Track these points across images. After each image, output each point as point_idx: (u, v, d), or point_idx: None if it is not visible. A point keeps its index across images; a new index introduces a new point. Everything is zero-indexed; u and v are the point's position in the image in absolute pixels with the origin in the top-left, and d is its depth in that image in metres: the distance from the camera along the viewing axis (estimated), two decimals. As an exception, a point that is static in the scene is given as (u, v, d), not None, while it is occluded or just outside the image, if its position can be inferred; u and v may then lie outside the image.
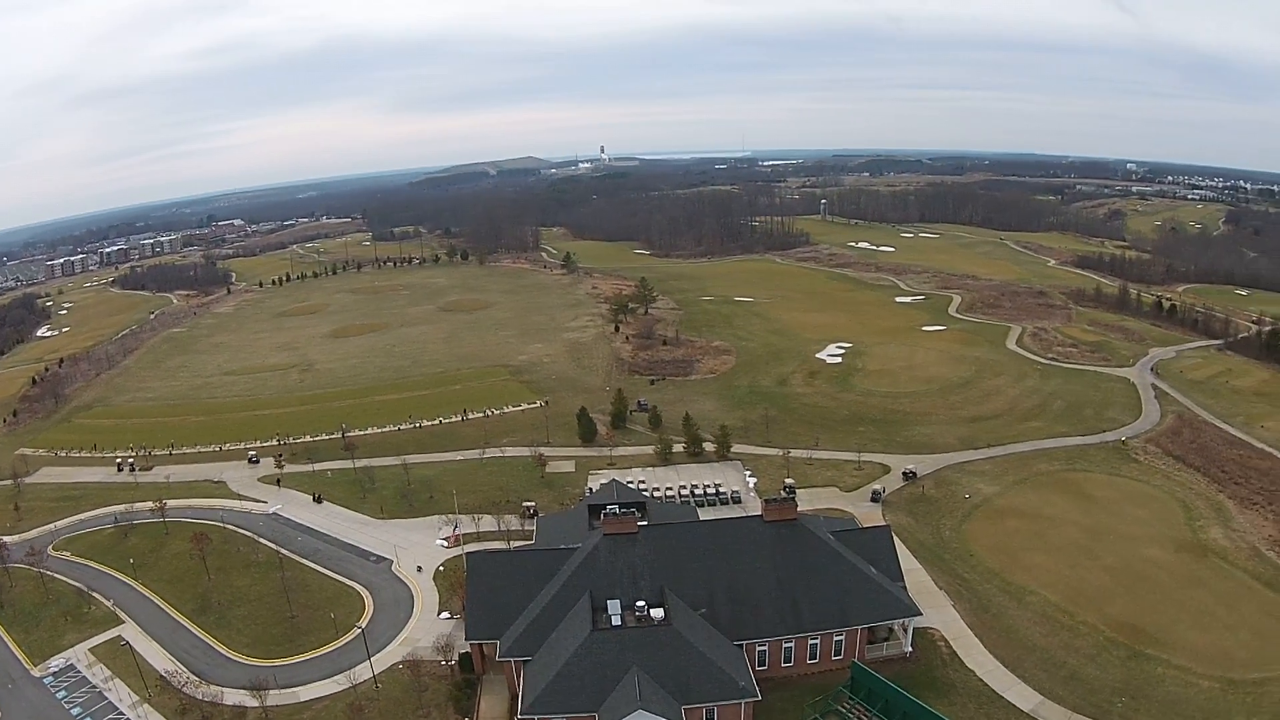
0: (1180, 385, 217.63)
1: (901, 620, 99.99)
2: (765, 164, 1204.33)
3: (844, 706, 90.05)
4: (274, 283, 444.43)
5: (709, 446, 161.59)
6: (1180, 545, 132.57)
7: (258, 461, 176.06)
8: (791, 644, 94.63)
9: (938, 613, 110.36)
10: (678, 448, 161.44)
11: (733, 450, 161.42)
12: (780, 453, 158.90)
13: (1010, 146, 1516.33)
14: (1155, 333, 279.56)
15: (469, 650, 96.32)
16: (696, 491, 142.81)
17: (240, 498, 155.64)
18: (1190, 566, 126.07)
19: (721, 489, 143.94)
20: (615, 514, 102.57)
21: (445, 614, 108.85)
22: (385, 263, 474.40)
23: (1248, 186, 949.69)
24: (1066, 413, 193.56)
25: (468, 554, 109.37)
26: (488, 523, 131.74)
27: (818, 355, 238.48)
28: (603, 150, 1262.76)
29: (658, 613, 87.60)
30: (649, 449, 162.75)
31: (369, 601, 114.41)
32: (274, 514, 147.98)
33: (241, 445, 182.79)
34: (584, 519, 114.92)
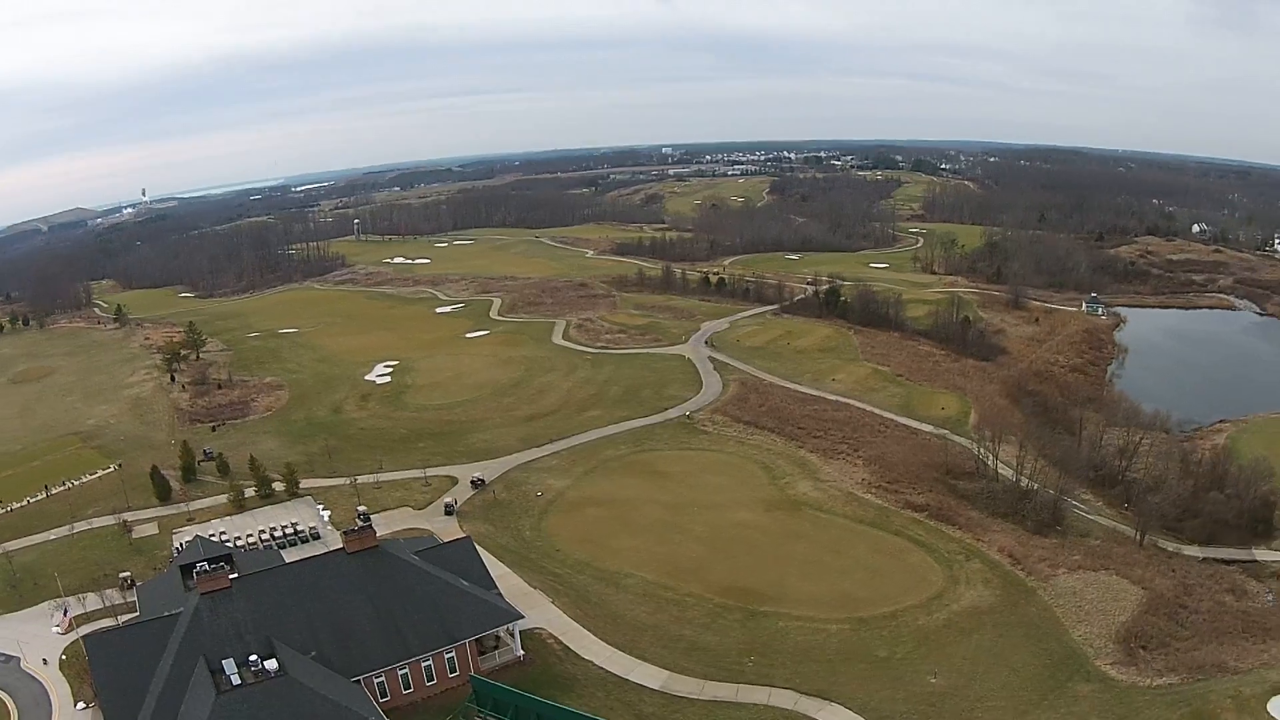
0: (739, 354, 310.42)
1: (506, 626, 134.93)
2: (298, 189, 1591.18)
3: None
4: None
5: (279, 486, 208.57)
6: (770, 505, 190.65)
7: None
8: (405, 670, 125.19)
9: (539, 612, 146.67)
10: (250, 492, 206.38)
11: (302, 486, 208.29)
12: (348, 481, 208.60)
13: (543, 145, 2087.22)
14: (705, 307, 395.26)
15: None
16: (276, 534, 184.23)
17: None
18: (785, 523, 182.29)
19: (299, 528, 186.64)
20: (206, 571, 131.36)
21: (81, 704, 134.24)
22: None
23: (792, 156, 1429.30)
24: (625, 397, 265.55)
25: (84, 638, 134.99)
26: (93, 600, 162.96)
27: (367, 377, 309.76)
28: (144, 193, 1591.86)
29: (271, 664, 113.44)
30: (223, 498, 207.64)
31: (11, 705, 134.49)
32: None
33: None
34: (179, 581, 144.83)
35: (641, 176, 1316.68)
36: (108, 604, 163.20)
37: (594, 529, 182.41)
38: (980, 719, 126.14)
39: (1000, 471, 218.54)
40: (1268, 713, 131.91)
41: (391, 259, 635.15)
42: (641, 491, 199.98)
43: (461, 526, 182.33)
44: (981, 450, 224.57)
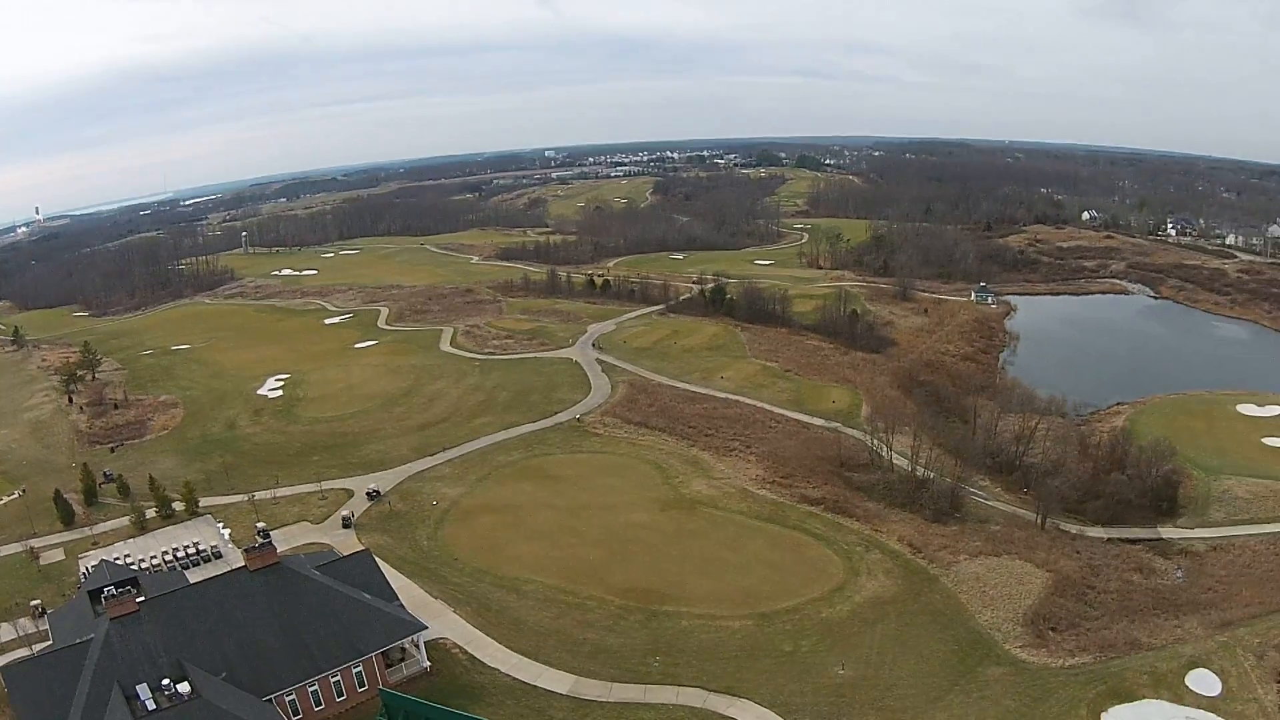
0: (626, 355, 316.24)
1: (411, 637, 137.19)
2: (187, 203, 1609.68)
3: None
4: None
5: (179, 506, 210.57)
6: (665, 504, 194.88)
7: None
8: (315, 686, 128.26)
9: (442, 622, 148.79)
10: (151, 513, 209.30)
11: (201, 505, 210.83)
12: (246, 498, 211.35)
13: (426, 152, 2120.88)
14: (591, 310, 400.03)
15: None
16: (179, 555, 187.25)
17: None
18: (681, 522, 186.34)
19: (201, 547, 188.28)
20: (114, 596, 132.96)
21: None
22: None
23: (675, 156, 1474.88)
24: (514, 402, 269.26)
25: (1, 670, 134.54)
26: (7, 630, 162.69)
27: (259, 392, 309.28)
28: (37, 211, 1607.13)
29: (184, 687, 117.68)
30: (126, 520, 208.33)
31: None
32: None
33: None
34: (88, 607, 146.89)
35: (525, 181, 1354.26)
36: (21, 634, 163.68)
37: (490, 536, 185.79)
38: (891, 706, 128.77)
39: (895, 462, 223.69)
40: (1186, 686, 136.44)
41: (279, 271, 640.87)
42: (535, 496, 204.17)
43: (360, 539, 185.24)
44: (875, 442, 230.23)
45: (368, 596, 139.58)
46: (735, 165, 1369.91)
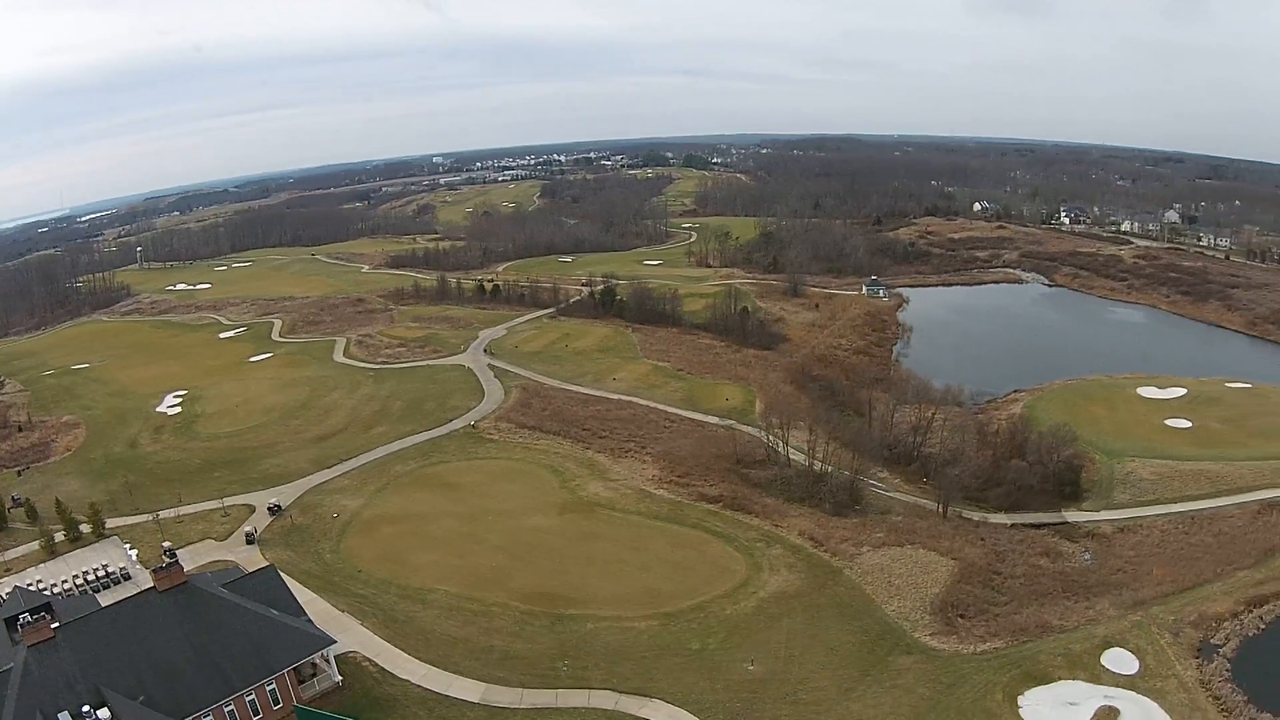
0: (518, 359, 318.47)
1: (321, 652, 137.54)
2: (83, 219, 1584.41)
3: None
4: None
5: (86, 528, 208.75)
6: (564, 508, 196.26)
7: None
8: (231, 706, 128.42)
9: (351, 635, 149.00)
10: (59, 536, 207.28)
11: (108, 526, 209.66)
12: (150, 517, 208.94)
13: (318, 161, 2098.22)
14: (482, 315, 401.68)
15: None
16: (90, 578, 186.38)
17: None
18: (580, 524, 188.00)
19: (110, 569, 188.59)
20: (29, 623, 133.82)
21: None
22: None
23: (562, 159, 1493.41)
24: (409, 411, 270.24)
25: None
26: None
27: (158, 409, 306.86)
28: None
29: (104, 713, 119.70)
30: (35, 545, 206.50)
31: None
32: None
33: None
34: (5, 635, 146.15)
35: (413, 187, 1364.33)
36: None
37: (392, 546, 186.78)
38: (804, 700, 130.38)
39: (792, 457, 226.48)
40: (1103, 666, 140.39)
41: (174, 286, 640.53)
42: (435, 505, 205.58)
43: (264, 555, 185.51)
44: (770, 438, 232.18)
45: (275, 613, 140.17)
46: (622, 166, 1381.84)
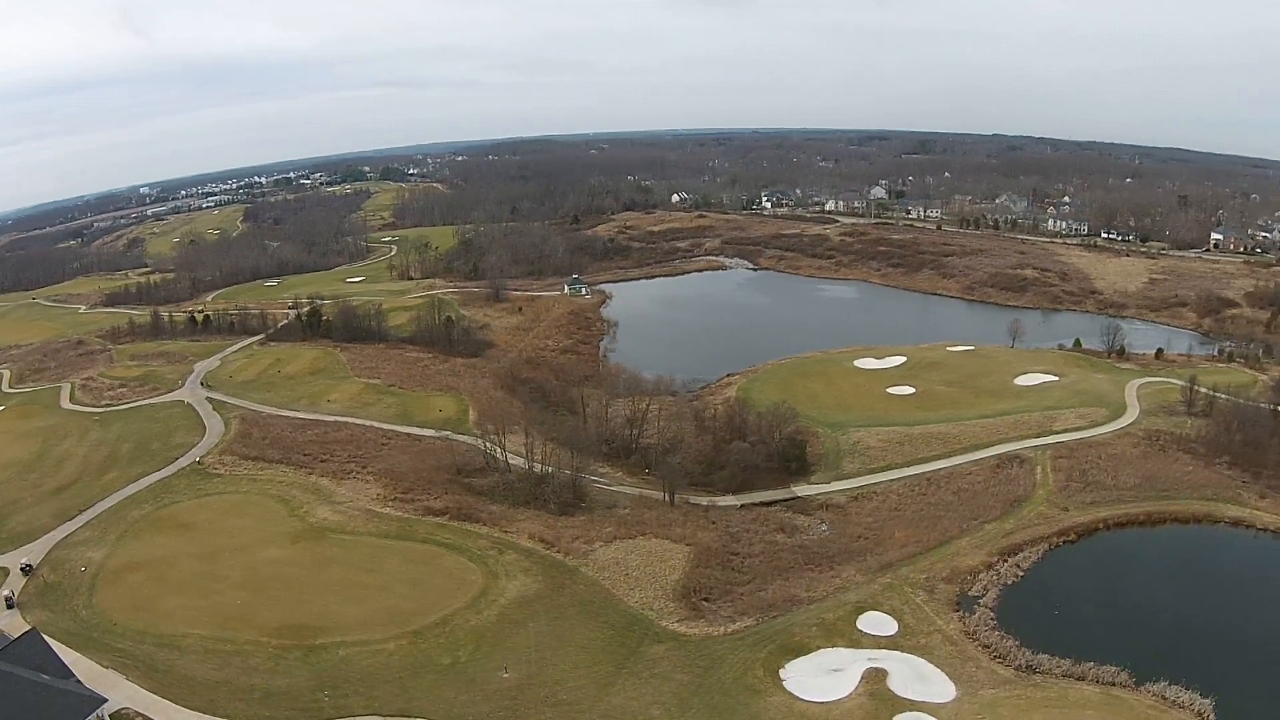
0: (234, 390, 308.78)
1: (95, 713, 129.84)
2: None
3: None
4: None
5: None
6: (296, 536, 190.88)
7: None
8: None
9: (119, 692, 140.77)
10: None
11: None
12: None
13: (31, 200, 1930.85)
14: (196, 348, 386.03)
15: None
16: None
17: None
18: (315, 551, 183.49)
19: None
20: None
21: None
22: None
23: (263, 181, 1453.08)
24: (138, 453, 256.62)
25: None
26: None
27: None
28: None
29: None
30: None
31: None
32: None
33: None
34: None
35: (123, 221, 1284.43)
36: None
37: (140, 595, 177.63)
38: (564, 700, 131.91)
39: (512, 462, 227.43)
40: (861, 630, 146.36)
41: None
42: (173, 547, 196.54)
43: (25, 618, 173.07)
44: (488, 445, 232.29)
45: (45, 677, 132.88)
46: (321, 184, 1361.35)
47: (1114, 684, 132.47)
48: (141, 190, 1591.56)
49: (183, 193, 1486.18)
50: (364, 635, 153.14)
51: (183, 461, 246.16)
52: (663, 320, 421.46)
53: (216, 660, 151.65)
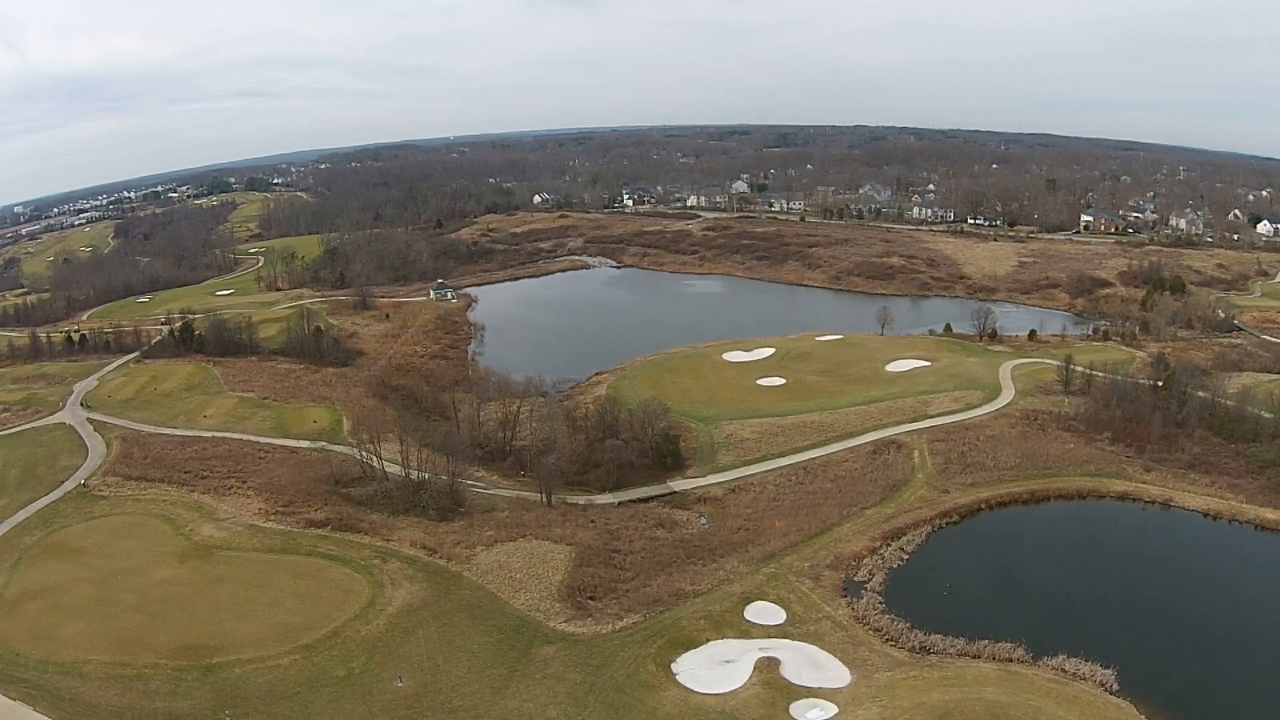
0: (113, 409, 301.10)
1: None
2: None
3: None
4: None
5: None
6: (183, 555, 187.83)
7: None
8: None
9: None
10: None
11: None
12: None
13: None
14: (74, 368, 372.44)
15: None
16: None
17: None
18: (202, 570, 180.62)
19: None
20: None
21: None
22: None
23: (132, 195, 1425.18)
24: (24, 479, 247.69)
25: None
26: None
27: None
28: None
29: None
30: None
31: None
32: None
33: None
34: None
35: None
36: None
37: (39, 623, 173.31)
38: (461, 706, 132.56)
39: (388, 470, 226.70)
40: (749, 620, 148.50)
41: None
42: (67, 573, 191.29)
43: None
44: (363, 454, 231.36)
45: None
46: (188, 197, 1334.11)
47: (1011, 660, 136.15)
48: (15, 209, 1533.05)
49: (55, 210, 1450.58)
50: (258, 652, 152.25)
51: (68, 485, 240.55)
52: (529, 322, 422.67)
53: (118, 686, 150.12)
